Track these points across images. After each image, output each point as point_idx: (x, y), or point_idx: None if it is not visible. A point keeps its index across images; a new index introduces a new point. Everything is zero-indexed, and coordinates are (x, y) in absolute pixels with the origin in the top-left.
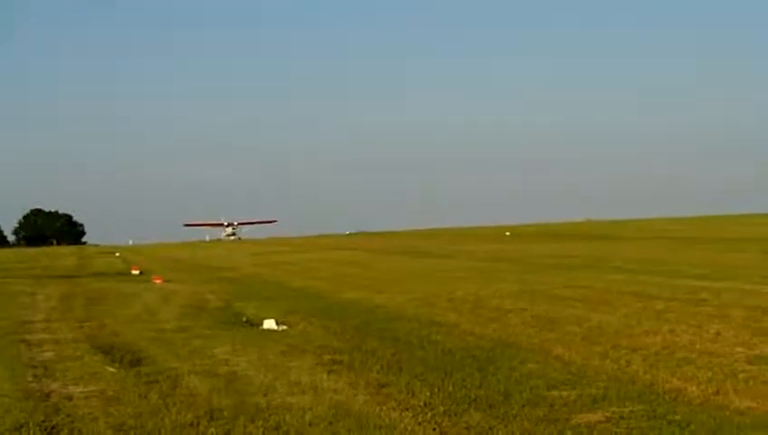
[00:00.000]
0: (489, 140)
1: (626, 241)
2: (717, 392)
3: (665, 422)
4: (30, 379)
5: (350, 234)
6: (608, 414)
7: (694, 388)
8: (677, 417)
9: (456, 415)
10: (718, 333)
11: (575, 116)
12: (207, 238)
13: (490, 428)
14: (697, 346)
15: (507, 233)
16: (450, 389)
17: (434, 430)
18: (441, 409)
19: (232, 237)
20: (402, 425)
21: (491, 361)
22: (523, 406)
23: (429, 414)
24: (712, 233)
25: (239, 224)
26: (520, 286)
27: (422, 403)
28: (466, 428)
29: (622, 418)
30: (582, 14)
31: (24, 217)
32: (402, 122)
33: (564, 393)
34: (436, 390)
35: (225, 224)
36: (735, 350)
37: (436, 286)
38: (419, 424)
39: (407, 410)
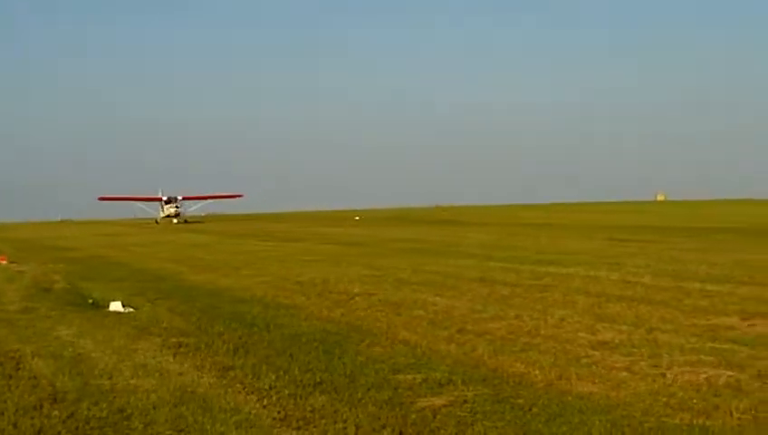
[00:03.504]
0: (338, 125)
1: (475, 227)
2: (560, 377)
3: (508, 406)
4: None
5: (206, 215)
6: (452, 398)
7: (537, 372)
8: (521, 401)
9: (301, 398)
10: (562, 319)
11: (419, 102)
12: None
13: (335, 411)
14: (542, 331)
15: (357, 217)
16: (296, 372)
17: (279, 413)
18: (286, 392)
19: (175, 220)
20: (247, 408)
21: (337, 344)
22: (369, 389)
23: (275, 397)
24: (560, 220)
25: (184, 199)
26: (368, 271)
27: (267, 386)
28: (311, 411)
29: (466, 401)
30: None
31: None
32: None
33: (409, 377)
34: (281, 373)
35: (164, 199)
36: (579, 335)
37: (284, 269)
38: (264, 407)
39: (252, 393)
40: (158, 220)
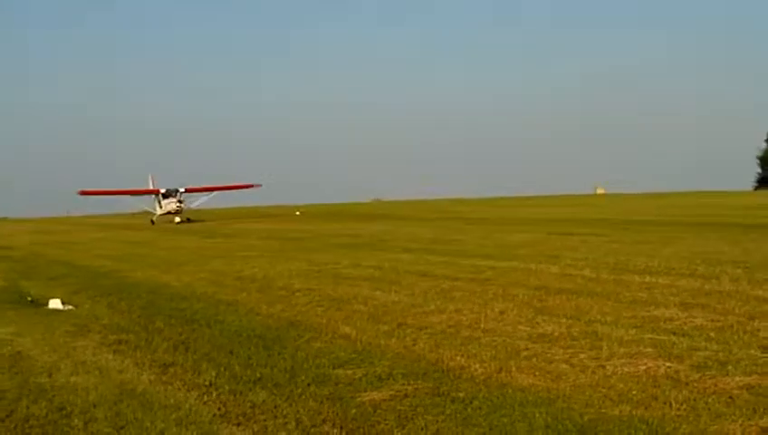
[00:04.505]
0: (278, 123)
1: (415, 221)
2: (500, 370)
3: (448, 399)
4: None
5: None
6: (393, 392)
7: (477, 366)
8: (461, 394)
9: (241, 394)
10: (502, 312)
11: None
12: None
13: (275, 406)
14: (482, 325)
15: (298, 212)
16: (236, 368)
17: (219, 409)
18: (227, 388)
19: (177, 218)
20: (187, 405)
21: (277, 340)
22: (309, 385)
23: (215, 393)
24: (501, 214)
25: (186, 191)
26: (308, 266)
27: (207, 383)
28: (252, 407)
29: (407, 396)
30: None
31: None
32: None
33: (350, 372)
34: (222, 369)
35: (162, 192)
36: (519, 328)
37: (224, 265)
38: (204, 403)
39: (192, 389)
40: (155, 219)
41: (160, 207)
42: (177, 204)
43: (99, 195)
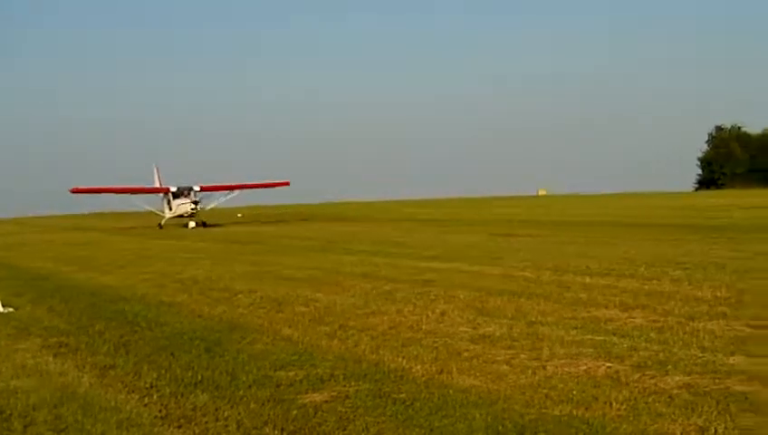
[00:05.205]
0: (220, 123)
1: (359, 223)
2: (441, 371)
3: (389, 401)
4: None
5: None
6: (333, 393)
7: (419, 367)
8: (402, 395)
9: (182, 396)
10: (444, 314)
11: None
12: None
13: (216, 409)
14: (423, 326)
15: (240, 214)
16: (177, 370)
17: (160, 411)
18: (167, 390)
19: (192, 223)
20: (128, 407)
21: (219, 342)
22: (250, 387)
23: (155, 396)
24: (443, 215)
25: (202, 190)
26: (251, 267)
27: (148, 385)
28: (193, 409)
29: (347, 397)
30: None
31: None
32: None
33: (291, 374)
34: (163, 371)
35: (173, 190)
36: (460, 329)
37: (167, 267)
38: (145, 406)
39: (133, 392)
40: (163, 223)
41: (170, 208)
42: (193, 206)
43: (92, 193)
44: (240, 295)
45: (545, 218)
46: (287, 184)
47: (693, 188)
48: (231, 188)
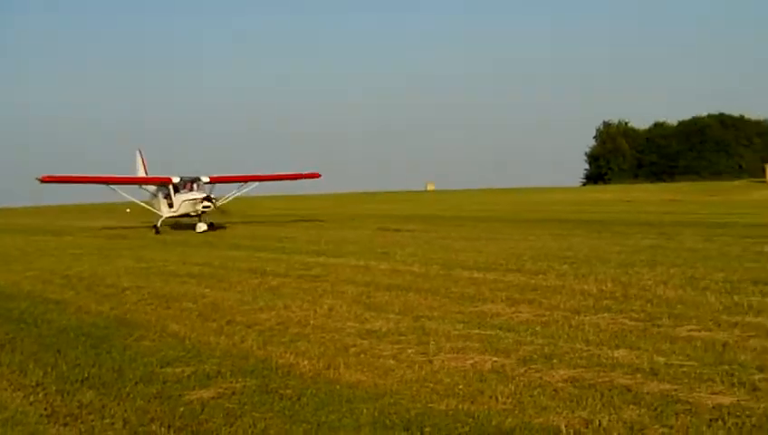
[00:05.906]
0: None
1: (249, 218)
2: (329, 367)
3: (276, 396)
4: None
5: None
6: (221, 390)
7: (306, 363)
8: (289, 391)
9: (68, 394)
10: (331, 309)
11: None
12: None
13: (103, 406)
14: (311, 322)
15: (128, 210)
16: (63, 368)
17: (45, 409)
18: (53, 388)
19: (203, 226)
20: (13, 405)
21: (106, 339)
22: (137, 384)
23: (41, 394)
24: (331, 210)
25: (211, 181)
26: (137, 263)
27: (34, 383)
28: (79, 406)
29: (234, 393)
30: None
31: None
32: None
33: (178, 370)
34: (49, 369)
35: (175, 181)
36: (347, 325)
37: (53, 263)
38: (31, 404)
39: (18, 389)
40: (160, 224)
41: (170, 205)
42: (206, 203)
43: (64, 182)
44: (127, 292)
45: (433, 213)
46: (317, 176)
47: (580, 183)
48: (245, 180)
